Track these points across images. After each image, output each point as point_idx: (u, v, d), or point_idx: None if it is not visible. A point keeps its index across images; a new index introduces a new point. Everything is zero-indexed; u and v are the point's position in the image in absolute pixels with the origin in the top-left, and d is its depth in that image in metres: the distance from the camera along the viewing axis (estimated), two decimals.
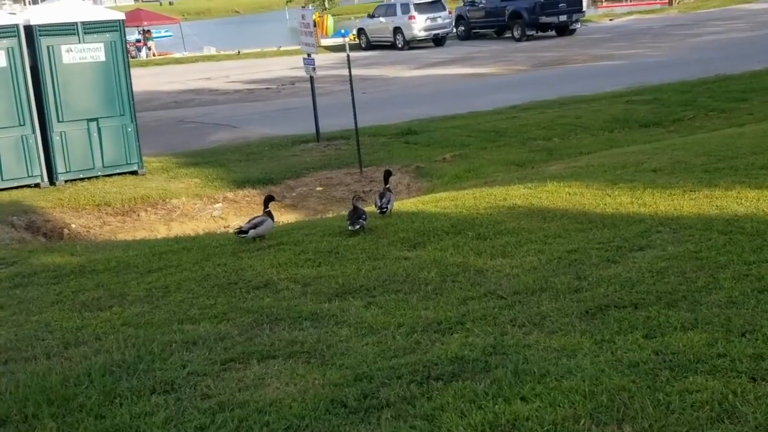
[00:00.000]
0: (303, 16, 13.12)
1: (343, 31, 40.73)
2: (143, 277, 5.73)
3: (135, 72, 13.06)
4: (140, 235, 9.77)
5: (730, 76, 16.67)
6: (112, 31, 11.43)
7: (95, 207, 10.40)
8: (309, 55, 13.12)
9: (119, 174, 11.75)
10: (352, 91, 11.52)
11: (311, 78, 13.49)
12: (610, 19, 37.97)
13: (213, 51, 37.40)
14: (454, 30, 34.27)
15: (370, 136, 13.42)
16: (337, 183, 11.32)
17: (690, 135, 11.16)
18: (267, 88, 23.49)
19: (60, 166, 11.31)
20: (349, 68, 11.42)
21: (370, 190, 10.30)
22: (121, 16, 11.75)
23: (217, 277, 5.50)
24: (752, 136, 8.87)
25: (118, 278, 5.78)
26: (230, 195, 11.00)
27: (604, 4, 54.75)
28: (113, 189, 11.07)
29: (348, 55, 11.35)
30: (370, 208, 6.99)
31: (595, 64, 22.93)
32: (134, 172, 11.83)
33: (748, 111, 13.03)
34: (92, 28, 11.27)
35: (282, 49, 35.56)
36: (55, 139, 11.25)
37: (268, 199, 6.80)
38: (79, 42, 11.17)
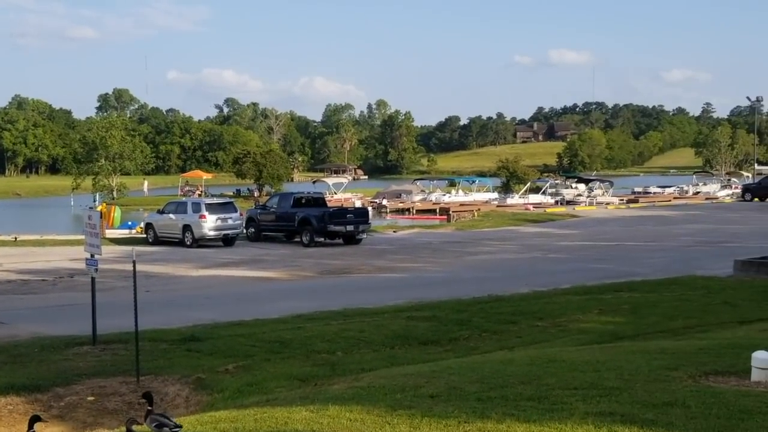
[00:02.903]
0: (89, 217, 12.84)
1: (130, 223, 40.19)
2: None
3: None
4: None
5: (501, 297, 17.81)
6: None
7: None
8: (92, 255, 12.75)
9: None
10: (135, 295, 11.21)
11: (92, 278, 13.04)
12: (394, 231, 39.93)
13: None
14: (245, 231, 34.74)
15: (150, 341, 12.98)
16: (111, 393, 10.74)
17: (465, 356, 11.67)
18: (43, 280, 22.41)
19: None
20: (134, 275, 11.17)
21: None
22: None
23: None
24: (521, 364, 9.40)
25: None
26: None
27: (389, 215, 57.85)
28: None
29: (134, 262, 11.11)
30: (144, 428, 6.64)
31: (378, 275, 23.83)
32: None
33: (517, 334, 13.88)
34: None
35: (62, 238, 34.37)
36: None
37: (33, 420, 6.30)
38: None
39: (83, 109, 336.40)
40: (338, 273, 24.53)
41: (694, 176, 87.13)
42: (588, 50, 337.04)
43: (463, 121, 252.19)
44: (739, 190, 67.97)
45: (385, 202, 63.83)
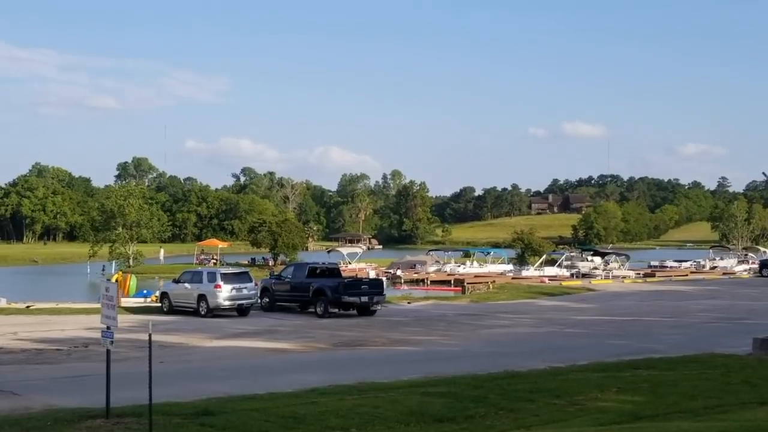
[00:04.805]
0: (107, 288, 12.89)
1: (145, 291, 40.25)
2: None
3: None
4: None
5: (518, 373, 17.61)
6: None
7: None
8: (109, 327, 12.76)
9: None
10: (150, 370, 11.18)
11: (108, 351, 13.02)
12: (409, 302, 39.80)
13: (3, 303, 35.57)
14: (259, 301, 34.72)
15: (164, 414, 12.88)
16: None
17: None
18: (57, 350, 22.39)
19: None
20: (150, 350, 11.15)
21: None
22: None
23: None
24: None
25: None
26: None
27: (403, 285, 57.69)
28: None
29: (150, 335, 11.11)
30: None
31: (393, 348, 23.68)
32: None
33: (534, 412, 13.66)
34: None
35: (78, 306, 34.45)
36: None
37: None
38: None
39: (102, 177, 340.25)
40: (352, 345, 24.39)
41: (711, 251, 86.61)
42: (602, 123, 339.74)
43: (478, 192, 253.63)
44: (756, 266, 67.48)
45: (399, 272, 63.72)
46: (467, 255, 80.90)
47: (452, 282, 58.99)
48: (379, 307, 33.51)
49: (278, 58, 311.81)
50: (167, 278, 47.20)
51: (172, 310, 33.22)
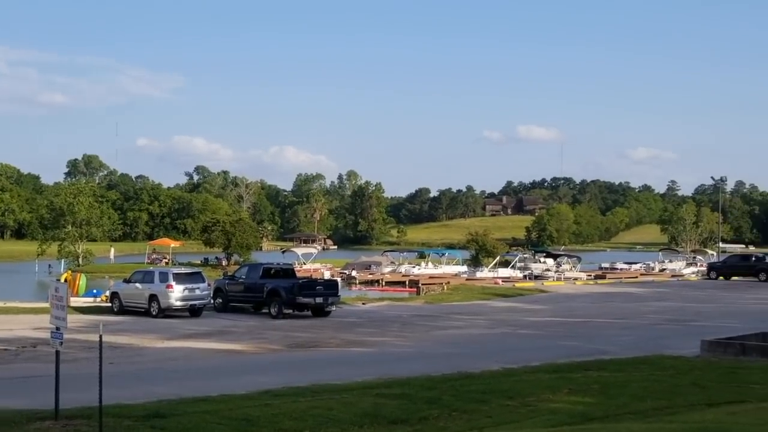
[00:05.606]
0: (56, 289, 12.67)
1: (95, 291, 39.65)
2: None
3: None
4: None
5: (471, 374, 17.70)
6: None
7: None
8: (58, 328, 12.54)
9: None
10: (100, 372, 11.02)
11: (57, 352, 12.80)
12: (363, 303, 39.74)
13: None
14: (212, 302, 34.40)
15: (114, 416, 12.70)
16: None
17: None
18: (5, 350, 21.94)
19: None
20: (100, 352, 10.99)
21: None
22: None
23: None
24: None
25: None
26: None
27: (358, 286, 57.64)
28: None
29: (101, 337, 10.94)
30: None
31: (347, 349, 23.63)
32: None
33: (487, 413, 13.74)
34: None
35: (26, 305, 33.82)
36: None
37: None
38: None
39: (52, 174, 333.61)
40: (306, 346, 24.30)
41: (660, 253, 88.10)
42: (556, 127, 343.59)
43: (433, 193, 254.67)
44: (704, 268, 68.77)
45: (354, 273, 63.66)
46: (422, 256, 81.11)
47: (407, 283, 59.17)
48: (333, 308, 33.42)
49: (232, 56, 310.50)
50: (118, 278, 46.60)
51: (123, 311, 32.75)
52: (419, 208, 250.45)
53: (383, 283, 60.05)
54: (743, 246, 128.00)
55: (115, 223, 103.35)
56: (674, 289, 50.98)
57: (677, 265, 74.39)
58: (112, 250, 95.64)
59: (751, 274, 58.90)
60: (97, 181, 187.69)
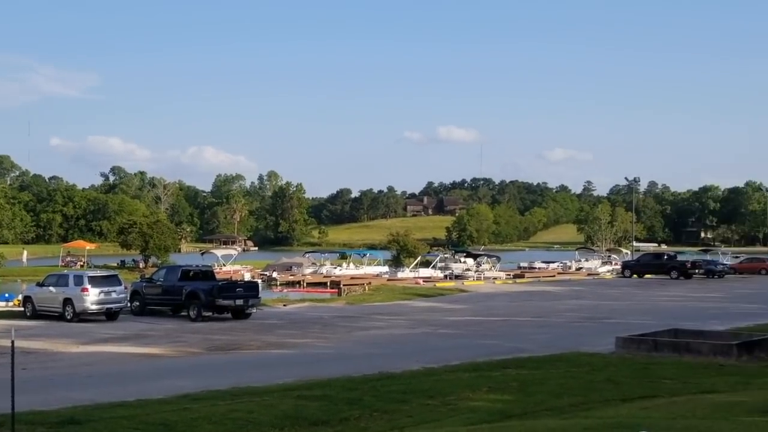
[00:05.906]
0: None
1: (7, 295, 38.51)
2: None
3: None
4: None
5: (392, 374, 17.79)
6: None
7: None
8: None
9: None
10: (12, 377, 10.69)
11: None
12: (284, 305, 39.52)
13: None
14: (129, 305, 33.73)
15: (27, 424, 12.37)
16: None
17: None
18: None
19: None
20: (12, 357, 10.66)
21: None
22: None
23: None
24: None
25: None
26: None
27: (279, 287, 57.29)
28: None
29: (12, 341, 10.62)
30: None
31: (268, 351, 23.46)
32: None
33: (408, 413, 13.82)
34: None
35: None
36: None
37: None
38: None
39: None
40: (226, 349, 24.03)
41: (577, 252, 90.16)
42: (475, 128, 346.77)
43: (355, 194, 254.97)
44: (619, 267, 70.65)
45: (275, 274, 63.25)
46: (344, 257, 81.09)
47: (328, 284, 59.12)
48: (254, 310, 33.14)
49: (148, 55, 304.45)
50: (30, 281, 45.33)
51: (36, 315, 31.86)
52: (340, 209, 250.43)
53: (304, 285, 59.85)
54: (656, 245, 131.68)
55: (27, 225, 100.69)
56: (590, 288, 52.23)
57: (593, 264, 76.15)
58: (25, 252, 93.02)
59: (663, 272, 60.98)
60: (8, 183, 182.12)
